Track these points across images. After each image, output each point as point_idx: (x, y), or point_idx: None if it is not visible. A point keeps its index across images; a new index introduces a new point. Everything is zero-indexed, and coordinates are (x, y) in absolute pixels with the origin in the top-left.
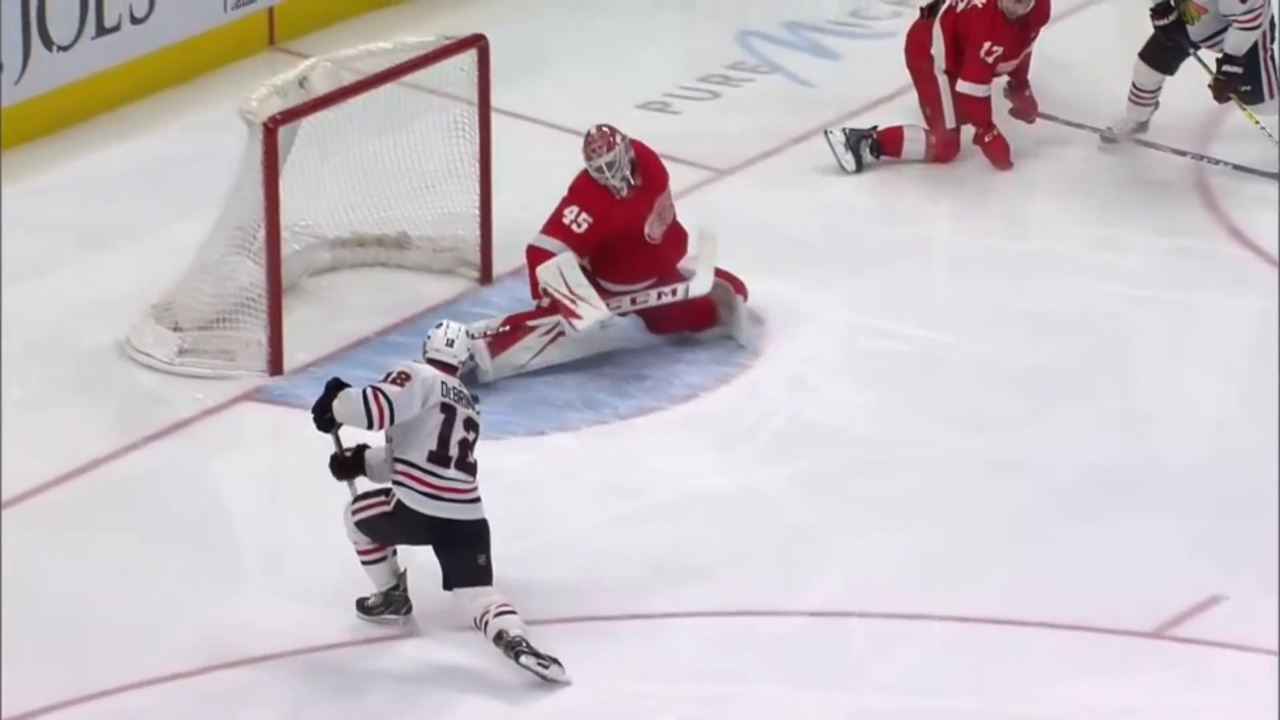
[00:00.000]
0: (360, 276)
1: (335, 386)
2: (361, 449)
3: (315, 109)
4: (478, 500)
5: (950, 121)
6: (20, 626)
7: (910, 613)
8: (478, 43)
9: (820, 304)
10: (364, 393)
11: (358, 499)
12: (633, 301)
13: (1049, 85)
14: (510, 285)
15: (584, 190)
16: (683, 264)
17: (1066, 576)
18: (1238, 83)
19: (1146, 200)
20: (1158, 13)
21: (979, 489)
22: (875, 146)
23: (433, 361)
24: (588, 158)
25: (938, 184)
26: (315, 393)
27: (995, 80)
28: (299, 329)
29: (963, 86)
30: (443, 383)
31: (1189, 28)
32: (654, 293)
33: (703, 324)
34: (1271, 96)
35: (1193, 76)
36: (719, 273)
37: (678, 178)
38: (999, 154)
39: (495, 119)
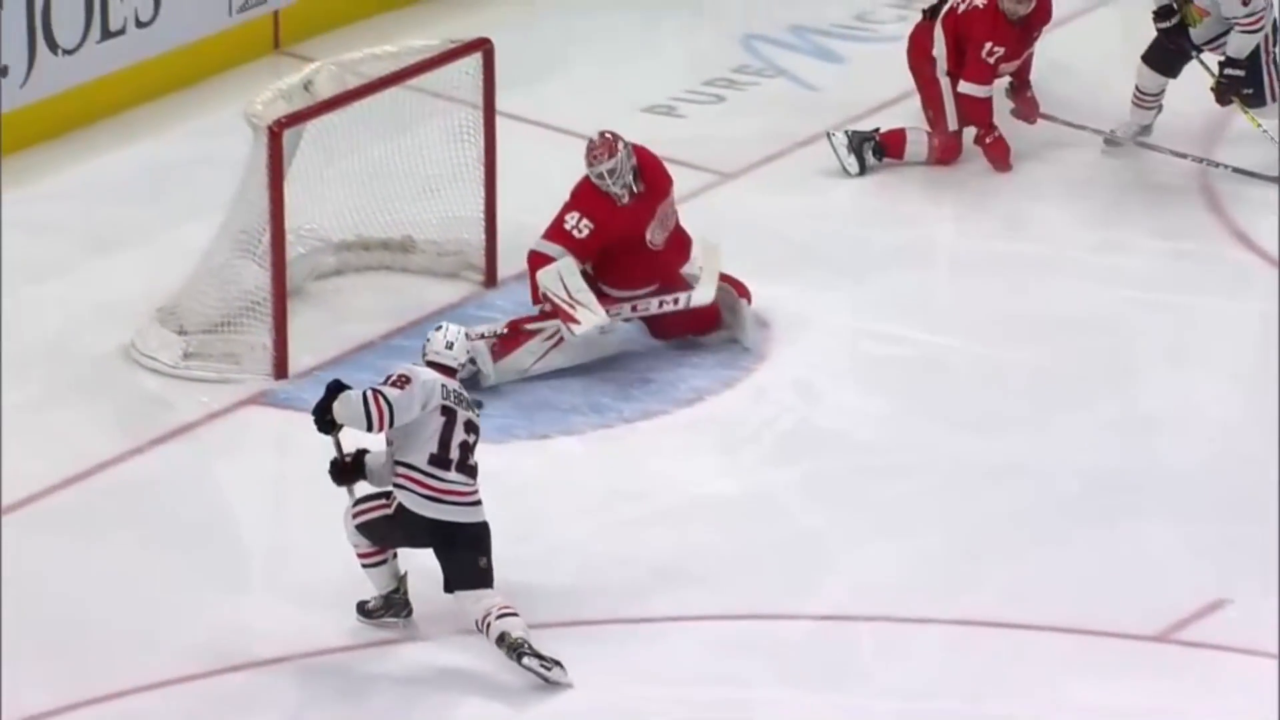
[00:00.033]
0: (365, 280)
1: (336, 388)
2: (361, 454)
3: (320, 112)
4: (479, 503)
5: (952, 124)
6: (23, 629)
7: (915, 617)
8: (483, 46)
9: (825, 308)
10: (364, 395)
11: (358, 502)
12: (633, 309)
13: (1053, 88)
14: (515, 289)
15: (585, 196)
16: (686, 270)
17: (1071, 580)
18: (1240, 86)
19: (1150, 203)
20: (1160, 15)
21: (984, 493)
22: (878, 149)
23: (432, 364)
24: (589, 164)
25: (941, 187)
26: (319, 396)
27: (997, 81)
28: (304, 333)
29: (964, 87)
30: (443, 385)
31: (1191, 30)
32: (655, 300)
33: (706, 328)
34: (1273, 99)
35: (1198, 80)
36: (722, 276)
37: (683, 181)
38: (999, 156)
39: (500, 122)
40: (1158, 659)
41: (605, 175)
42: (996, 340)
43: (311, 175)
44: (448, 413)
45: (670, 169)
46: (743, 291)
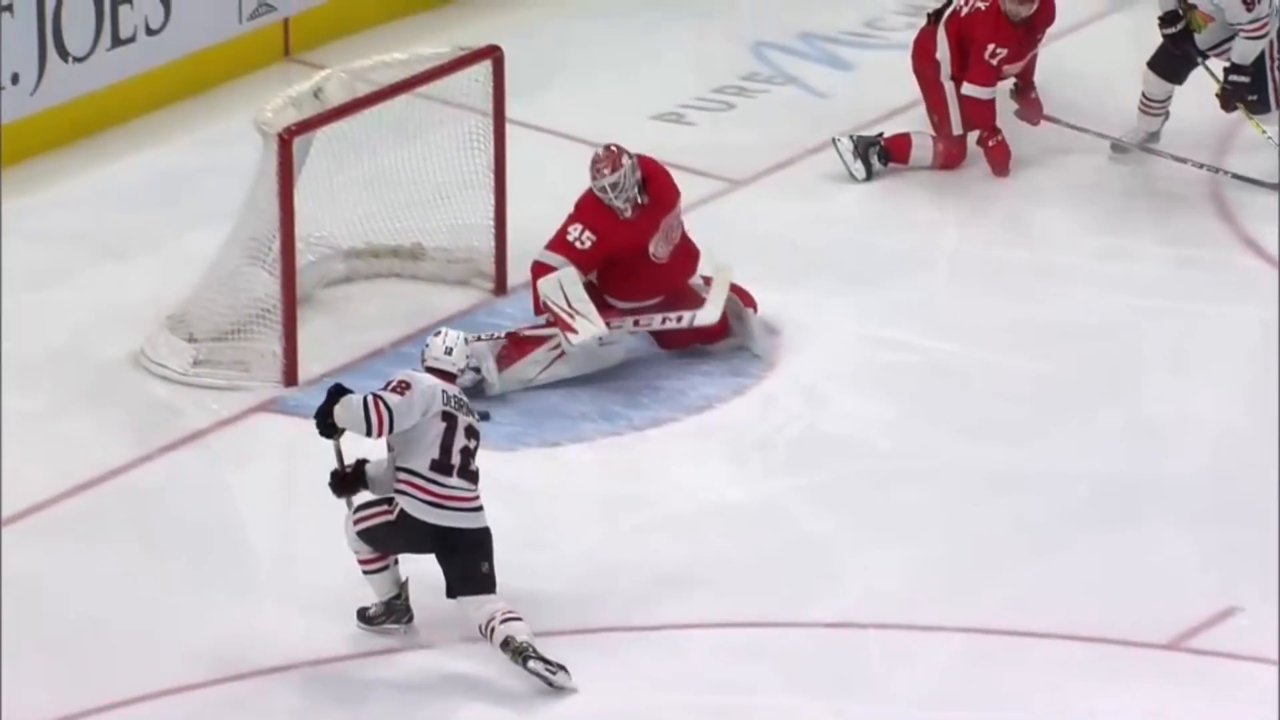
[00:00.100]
0: (375, 287)
1: (337, 392)
2: (361, 464)
3: (330, 120)
4: (480, 508)
5: (957, 128)
6: (29, 636)
7: (924, 624)
8: (492, 54)
9: (834, 315)
10: (364, 400)
11: (359, 508)
12: (636, 323)
13: (1060, 96)
14: (525, 296)
15: (588, 208)
16: (695, 281)
17: (1080, 588)
18: (1245, 92)
19: (1158, 210)
20: (1166, 21)
21: (993, 500)
22: (883, 154)
23: (431, 370)
24: (593, 177)
25: (949, 193)
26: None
27: (1001, 83)
28: (313, 340)
29: (967, 89)
30: (443, 391)
31: (1196, 36)
32: (658, 317)
33: (714, 338)
34: (1278, 106)
35: (1208, 88)
36: (729, 285)
37: (692, 189)
38: (999, 160)
39: (510, 130)
40: (1167, 667)
41: (608, 189)
42: (1005, 347)
43: (321, 183)
44: (448, 418)
45: (679, 176)
46: (748, 301)
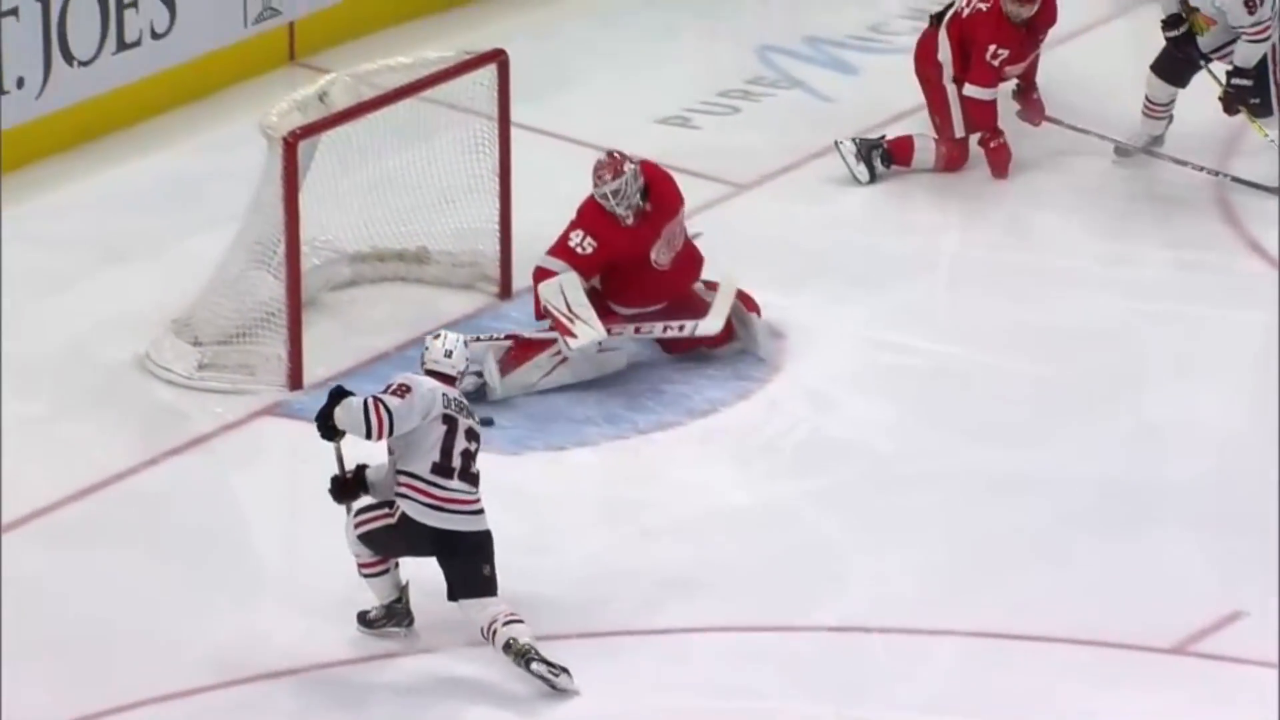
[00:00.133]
0: (380, 291)
1: (338, 394)
2: (361, 469)
3: (335, 124)
4: (481, 511)
5: (959, 130)
6: (32, 640)
7: (929, 628)
8: (497, 57)
9: (839, 319)
10: (365, 403)
11: (359, 512)
12: (637, 330)
13: (1064, 100)
14: (529, 300)
15: (590, 215)
16: (697, 287)
17: (1086, 592)
18: (1247, 95)
19: (1162, 214)
20: (1169, 24)
21: (998, 504)
22: (885, 156)
23: (431, 372)
24: (595, 184)
25: (953, 196)
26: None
27: (1003, 85)
28: (318, 344)
29: (969, 90)
30: (443, 394)
31: (1198, 39)
32: (660, 325)
33: (717, 342)
34: None
35: (1214, 91)
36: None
37: (697, 193)
38: (999, 162)
39: (515, 134)
40: (1175, 670)
41: (609, 196)
42: (1010, 351)
43: (326, 186)
44: (449, 421)
45: (684, 180)
46: (752, 305)
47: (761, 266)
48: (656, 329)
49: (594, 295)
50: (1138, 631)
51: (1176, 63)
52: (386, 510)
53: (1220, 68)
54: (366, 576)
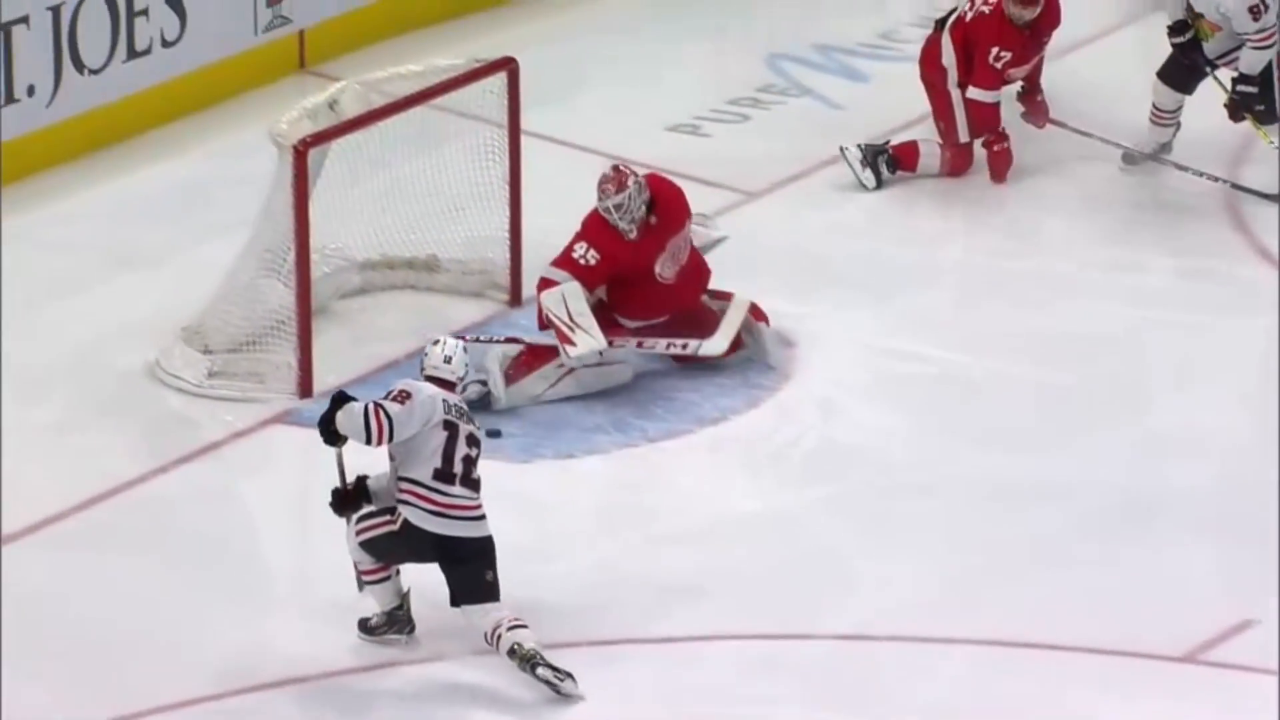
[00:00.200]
0: (390, 299)
1: (340, 399)
2: (362, 480)
3: (345, 131)
4: (483, 517)
5: (963, 135)
6: (38, 647)
7: (939, 636)
8: (508, 65)
9: (849, 326)
10: (365, 408)
11: (361, 519)
12: (639, 345)
13: (1072, 109)
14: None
15: (594, 228)
16: (708, 300)
17: (1096, 600)
18: (1253, 102)
19: (1170, 220)
20: (1175, 30)
21: (1007, 512)
22: (891, 161)
23: (431, 379)
24: (598, 198)
25: (959, 202)
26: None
27: (1007, 87)
28: (328, 352)
29: (972, 93)
30: (444, 400)
31: (1204, 45)
32: (663, 342)
33: (726, 351)
34: None
35: (1219, 99)
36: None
37: (706, 200)
38: (999, 166)
39: (525, 142)
40: (1185, 679)
41: (612, 210)
42: (1019, 358)
43: (336, 194)
44: (449, 427)
45: (694, 188)
46: (760, 315)
47: (771, 274)
48: (660, 345)
49: (600, 307)
50: (1147, 639)
51: (1183, 70)
52: (388, 517)
53: (1226, 74)
54: (368, 583)
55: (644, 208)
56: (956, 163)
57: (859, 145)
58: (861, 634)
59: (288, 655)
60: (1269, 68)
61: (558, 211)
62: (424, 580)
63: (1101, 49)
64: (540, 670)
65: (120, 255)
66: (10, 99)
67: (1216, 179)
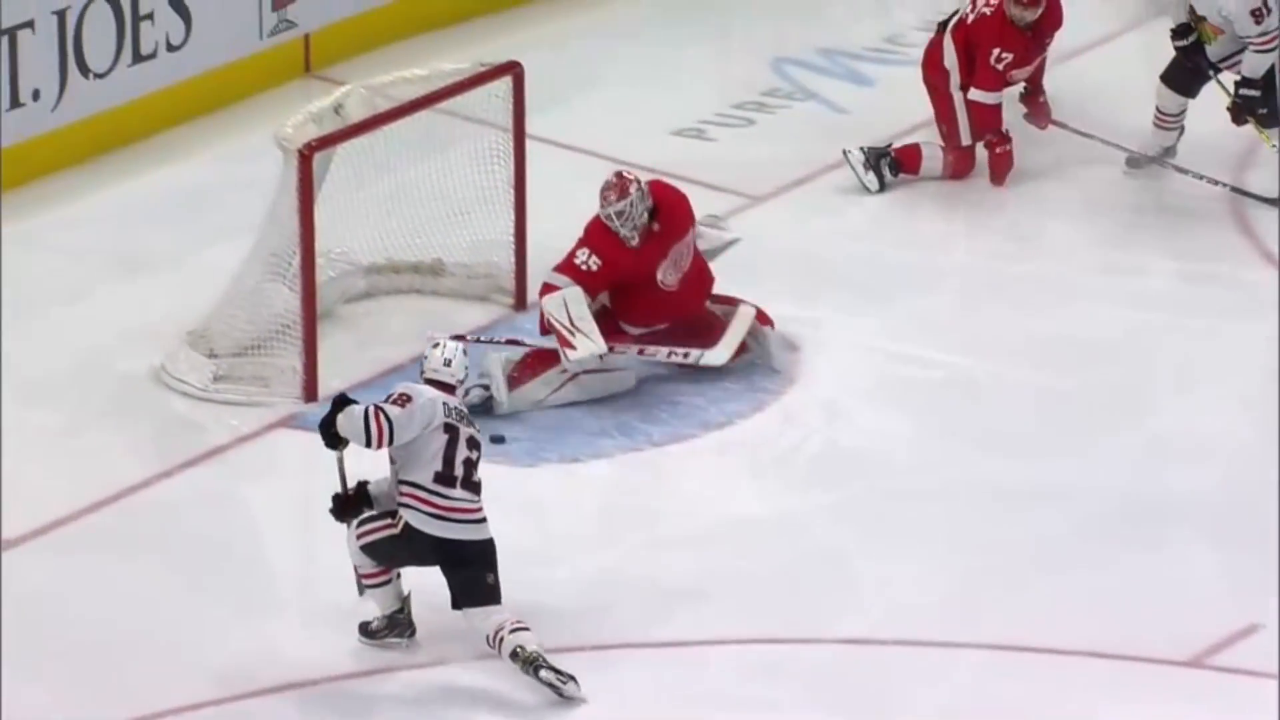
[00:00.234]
0: (395, 303)
1: (341, 402)
2: (362, 486)
3: (350, 136)
4: (484, 520)
5: (965, 138)
6: (43, 651)
7: (945, 640)
8: (513, 69)
9: (853, 330)
10: (365, 411)
11: (362, 522)
12: (640, 352)
13: (1076, 113)
14: None
15: (596, 234)
16: (713, 306)
17: (1102, 604)
18: (1255, 105)
19: (1174, 224)
20: (1178, 34)
21: (1014, 515)
22: (893, 164)
23: (431, 381)
24: (601, 204)
25: (964, 206)
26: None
27: (1009, 89)
28: (334, 356)
29: (974, 94)
30: (444, 403)
31: (1207, 48)
32: (665, 350)
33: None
34: None
35: (1223, 102)
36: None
37: (711, 204)
38: (999, 169)
39: (530, 146)
40: (1190, 683)
41: (614, 217)
42: (1021, 361)
43: (342, 198)
44: (450, 430)
45: (699, 192)
46: (765, 319)
47: (776, 278)
48: (661, 354)
49: (603, 313)
50: (1150, 643)
51: (1186, 73)
52: (389, 521)
53: (1229, 78)
54: (369, 587)
55: (646, 215)
56: (959, 166)
57: (862, 148)
58: (867, 638)
59: (289, 659)
60: (1271, 71)
61: (562, 215)
62: (425, 583)
63: (1105, 53)
64: (543, 673)
65: (125, 259)
66: (15, 103)
67: (1219, 183)
